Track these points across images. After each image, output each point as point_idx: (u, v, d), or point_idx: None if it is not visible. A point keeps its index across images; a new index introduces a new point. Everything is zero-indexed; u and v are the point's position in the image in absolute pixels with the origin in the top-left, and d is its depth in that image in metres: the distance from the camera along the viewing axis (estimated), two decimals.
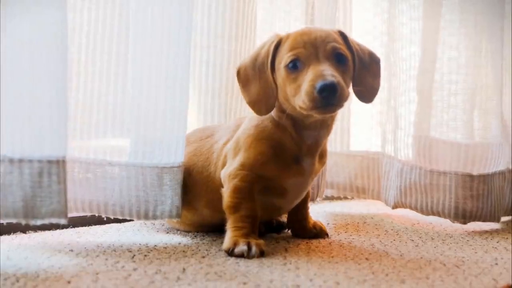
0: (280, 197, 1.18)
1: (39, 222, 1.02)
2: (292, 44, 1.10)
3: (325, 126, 1.16)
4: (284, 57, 1.10)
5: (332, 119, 1.17)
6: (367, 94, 1.17)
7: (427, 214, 1.47)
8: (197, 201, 1.22)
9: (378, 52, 1.59)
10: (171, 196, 1.19)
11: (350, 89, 1.13)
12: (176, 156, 1.20)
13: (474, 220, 1.44)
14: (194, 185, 1.22)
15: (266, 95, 1.13)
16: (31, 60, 1.01)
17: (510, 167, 1.54)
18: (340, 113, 1.62)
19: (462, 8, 1.49)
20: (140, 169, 1.18)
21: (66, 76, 1.06)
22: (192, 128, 1.33)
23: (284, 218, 1.34)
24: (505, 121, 1.57)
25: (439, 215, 1.46)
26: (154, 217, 1.19)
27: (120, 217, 1.20)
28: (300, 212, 1.28)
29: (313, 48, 1.08)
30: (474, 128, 1.50)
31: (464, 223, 1.45)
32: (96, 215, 1.21)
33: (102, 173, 1.18)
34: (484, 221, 1.45)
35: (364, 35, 1.65)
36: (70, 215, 1.29)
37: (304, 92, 1.04)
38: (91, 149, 1.19)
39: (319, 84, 1.02)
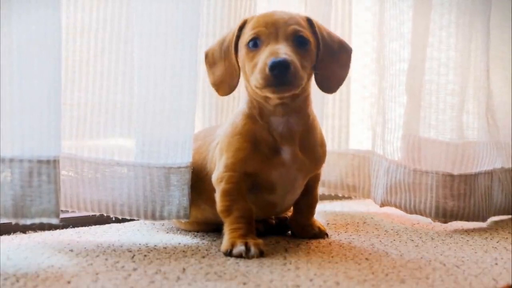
0: (271, 192, 1.18)
1: (29, 222, 1.02)
2: (254, 24, 1.12)
3: (293, 112, 1.15)
4: (245, 36, 1.12)
5: (299, 104, 1.15)
6: (328, 82, 1.17)
7: (411, 213, 1.48)
8: (199, 197, 1.22)
9: (376, 51, 1.60)
10: (178, 197, 1.19)
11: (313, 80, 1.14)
12: (183, 156, 1.20)
13: (455, 219, 1.44)
14: (197, 182, 1.22)
15: (230, 76, 1.15)
16: (22, 60, 1.01)
17: (507, 167, 1.55)
18: (335, 110, 1.64)
19: (452, 8, 1.49)
20: (147, 169, 1.19)
21: (60, 76, 1.06)
22: None
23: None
24: (496, 121, 1.57)
25: (421, 214, 1.46)
26: (162, 218, 1.20)
27: (128, 217, 1.21)
28: (305, 213, 1.27)
29: (274, 28, 1.09)
30: (459, 128, 1.50)
31: (445, 222, 1.45)
32: (97, 214, 1.22)
33: (111, 173, 1.19)
34: (467, 220, 1.45)
35: (363, 34, 1.65)
36: (72, 215, 1.31)
37: (258, 70, 1.06)
38: (100, 149, 1.20)
39: (270, 61, 1.03)
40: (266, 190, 1.17)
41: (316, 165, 1.22)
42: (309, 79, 1.15)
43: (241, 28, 1.15)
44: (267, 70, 1.04)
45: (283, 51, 1.05)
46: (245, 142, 1.14)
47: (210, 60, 1.19)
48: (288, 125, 1.15)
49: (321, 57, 1.15)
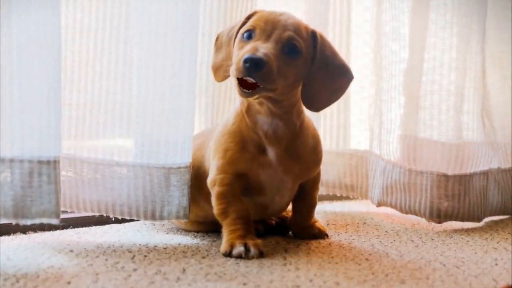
0: (260, 194, 1.17)
1: (29, 222, 1.02)
2: (257, 17, 1.12)
3: (276, 115, 1.13)
4: (245, 27, 1.12)
5: (284, 111, 1.14)
6: (315, 100, 1.15)
7: (406, 213, 1.48)
8: (198, 194, 1.23)
9: (374, 51, 1.61)
10: (178, 197, 1.19)
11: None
12: (183, 156, 1.20)
13: (450, 219, 1.45)
14: (196, 178, 1.22)
15: (227, 62, 1.15)
16: (22, 60, 1.01)
17: (503, 167, 1.55)
18: (333, 111, 1.64)
19: (448, 9, 1.49)
20: (147, 170, 1.19)
21: (60, 76, 1.06)
22: None
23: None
24: (492, 121, 1.57)
25: (416, 214, 1.47)
26: (161, 218, 1.20)
27: (128, 217, 1.21)
28: (304, 215, 1.27)
29: (271, 28, 1.09)
30: (456, 128, 1.50)
31: (439, 222, 1.46)
32: (97, 215, 1.22)
33: (110, 173, 1.19)
34: (461, 220, 1.46)
35: (362, 34, 1.65)
36: (72, 215, 1.31)
37: (235, 60, 1.06)
38: (99, 149, 1.20)
39: (247, 55, 1.03)
40: (256, 191, 1.17)
41: (307, 171, 1.21)
42: (293, 89, 1.13)
43: (249, 18, 1.14)
44: (241, 61, 1.04)
45: (264, 51, 1.04)
46: (232, 142, 1.15)
47: (218, 44, 1.19)
48: (273, 126, 1.14)
49: (313, 72, 1.12)
